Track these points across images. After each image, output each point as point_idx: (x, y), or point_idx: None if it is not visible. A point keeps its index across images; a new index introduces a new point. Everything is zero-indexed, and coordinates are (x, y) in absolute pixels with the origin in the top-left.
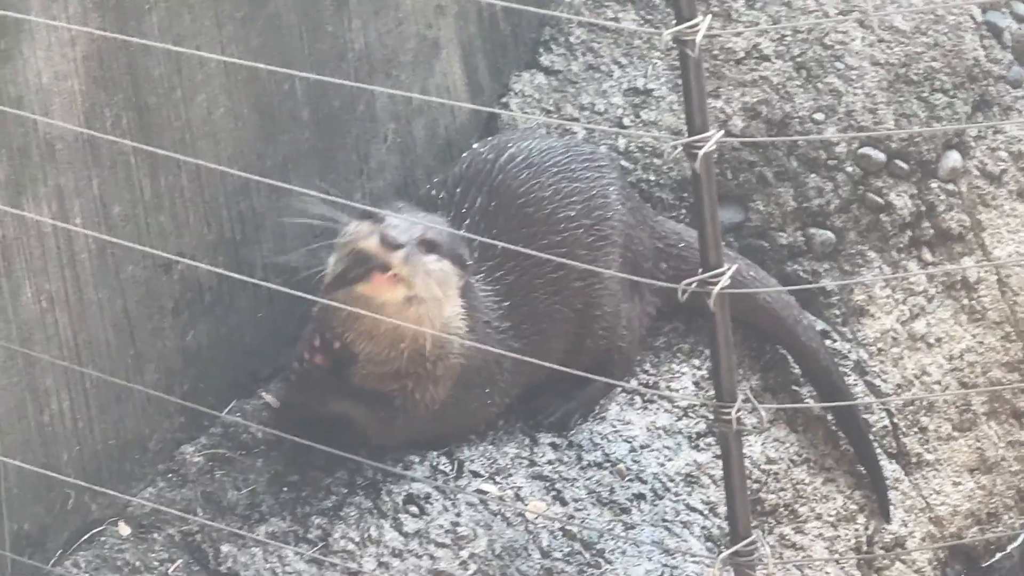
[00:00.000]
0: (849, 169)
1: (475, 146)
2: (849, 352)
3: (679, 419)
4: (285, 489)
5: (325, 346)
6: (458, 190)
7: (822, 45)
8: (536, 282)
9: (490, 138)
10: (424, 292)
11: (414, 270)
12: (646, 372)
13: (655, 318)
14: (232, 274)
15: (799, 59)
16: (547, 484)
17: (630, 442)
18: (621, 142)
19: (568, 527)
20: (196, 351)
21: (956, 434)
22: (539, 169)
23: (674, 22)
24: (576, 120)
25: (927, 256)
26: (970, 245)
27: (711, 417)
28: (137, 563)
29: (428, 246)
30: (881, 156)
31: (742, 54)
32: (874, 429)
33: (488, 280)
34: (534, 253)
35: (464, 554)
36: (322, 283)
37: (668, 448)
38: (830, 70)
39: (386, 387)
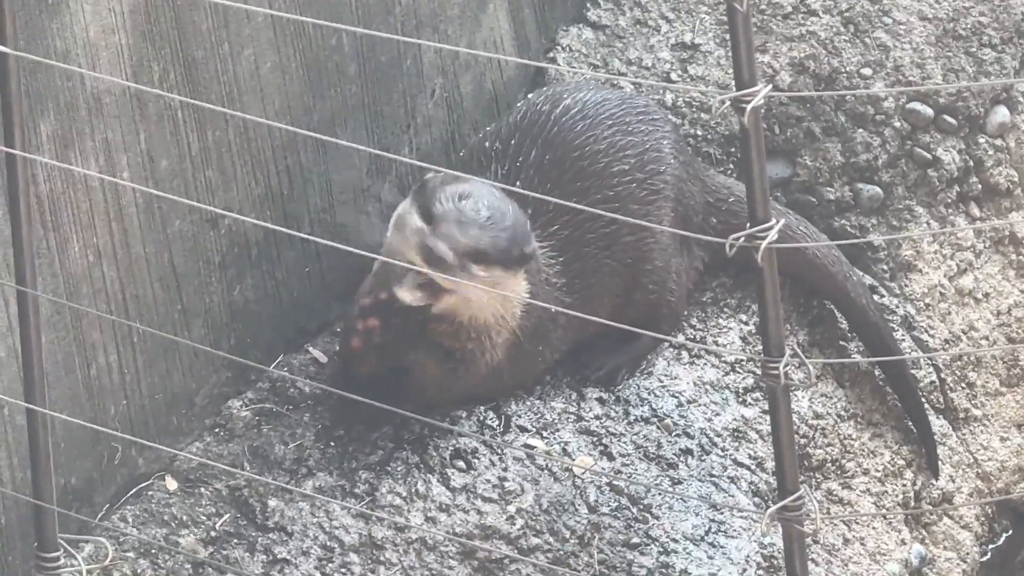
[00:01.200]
0: (897, 124)
1: (530, 96)
2: (896, 307)
3: (726, 374)
4: (332, 444)
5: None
6: (512, 142)
7: (870, 0)
8: (588, 236)
9: (545, 88)
10: (473, 296)
11: (459, 286)
12: (693, 327)
13: (702, 272)
14: (279, 228)
15: (847, 14)
16: (594, 439)
17: (677, 397)
18: (669, 97)
19: (615, 482)
20: (243, 306)
21: (1004, 389)
22: (594, 122)
23: None
24: (624, 75)
25: (975, 211)
26: (1018, 200)
27: (758, 372)
28: (184, 517)
29: (476, 256)
30: (929, 111)
31: (789, 9)
32: (921, 384)
33: (543, 235)
34: (588, 209)
35: (511, 509)
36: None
37: (715, 403)
38: (878, 25)
39: (447, 344)
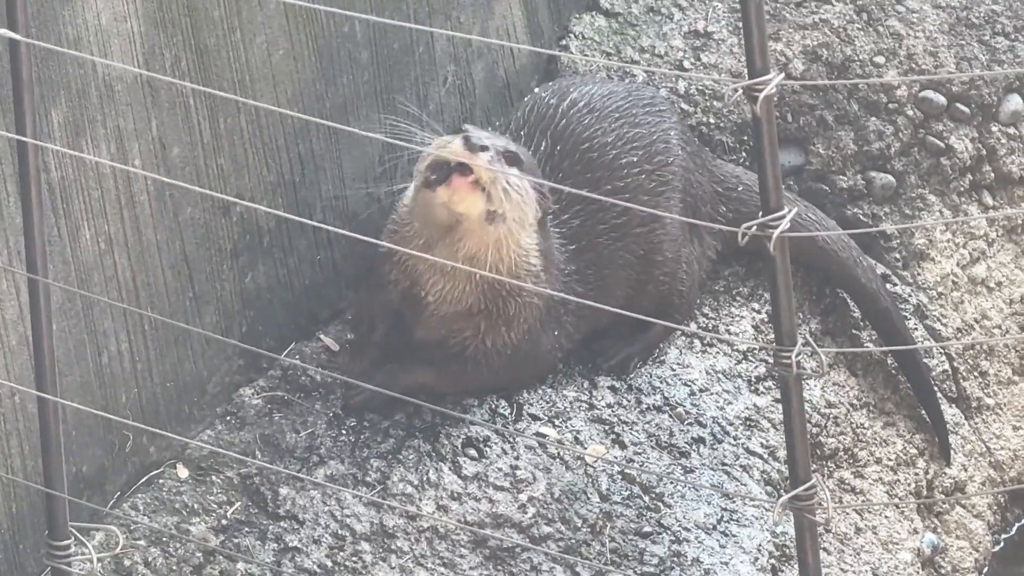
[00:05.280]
0: (910, 112)
1: (536, 90)
2: (909, 296)
3: (738, 363)
4: (344, 432)
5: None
6: (521, 135)
7: None
8: (599, 227)
9: (551, 82)
10: (503, 206)
11: (496, 177)
12: (705, 316)
13: (714, 261)
14: (291, 216)
15: (860, 2)
16: (606, 427)
17: (689, 386)
18: (681, 85)
19: (627, 471)
20: (255, 293)
21: (1016, 378)
22: (601, 114)
23: None
24: (636, 63)
25: (988, 200)
26: None
27: (771, 361)
28: (195, 505)
29: (511, 159)
30: (942, 99)
31: None
32: (934, 373)
33: (554, 224)
34: (601, 198)
35: (523, 497)
36: (390, 221)
37: (727, 392)
38: (891, 13)
39: (456, 331)
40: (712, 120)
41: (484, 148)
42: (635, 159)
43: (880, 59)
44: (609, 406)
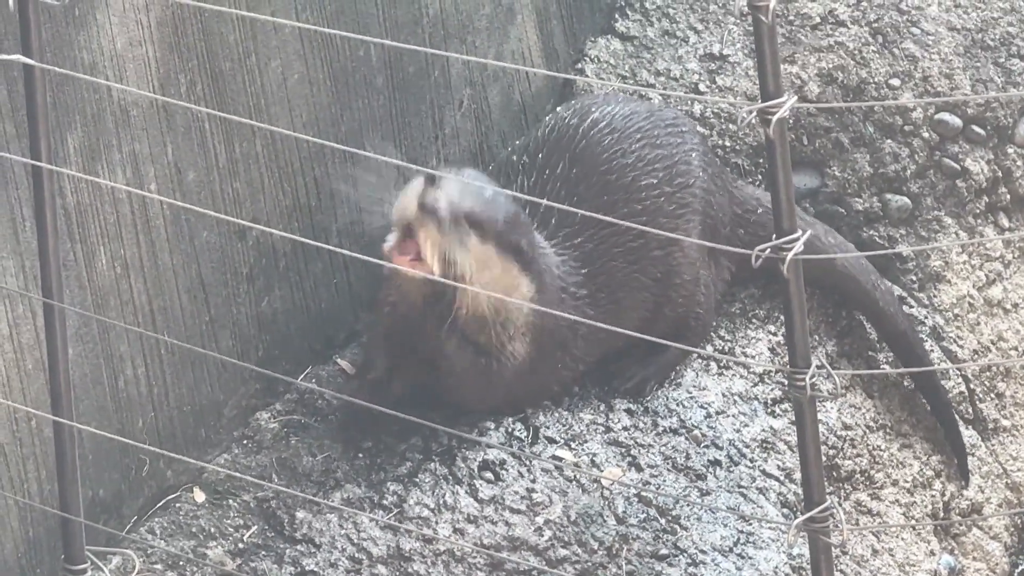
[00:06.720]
0: (925, 135)
1: (558, 110)
2: (925, 318)
3: (755, 385)
4: (360, 455)
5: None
6: (540, 155)
7: (898, 10)
8: (615, 250)
9: (573, 101)
10: (461, 272)
11: (447, 247)
12: (722, 338)
13: (730, 283)
14: (307, 240)
15: (875, 24)
16: (623, 450)
17: (706, 408)
18: (697, 108)
19: (644, 493)
20: (271, 317)
21: None
22: (622, 135)
23: None
24: (652, 86)
25: (1003, 222)
26: None
27: (786, 383)
28: (212, 529)
29: (473, 222)
30: (957, 121)
31: (818, 19)
32: (950, 395)
33: (566, 246)
34: (616, 221)
35: (539, 520)
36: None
37: (744, 414)
38: (906, 35)
39: (474, 338)
40: (728, 143)
41: (434, 213)
42: (655, 180)
43: (895, 81)
44: (625, 429)
